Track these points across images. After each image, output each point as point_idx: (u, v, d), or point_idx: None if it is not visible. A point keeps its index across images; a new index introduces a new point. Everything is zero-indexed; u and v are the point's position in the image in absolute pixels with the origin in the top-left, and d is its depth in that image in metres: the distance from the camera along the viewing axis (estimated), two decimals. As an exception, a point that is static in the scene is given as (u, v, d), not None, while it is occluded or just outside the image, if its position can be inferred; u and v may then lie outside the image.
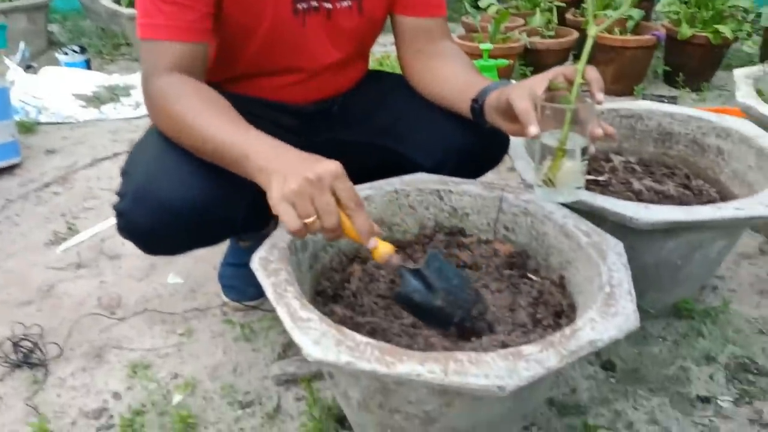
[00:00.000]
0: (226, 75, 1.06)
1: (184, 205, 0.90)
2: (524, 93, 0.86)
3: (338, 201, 0.76)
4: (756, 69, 1.48)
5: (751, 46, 2.65)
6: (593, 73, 0.87)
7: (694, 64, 2.51)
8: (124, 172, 0.96)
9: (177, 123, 0.88)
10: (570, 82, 0.88)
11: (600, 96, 0.86)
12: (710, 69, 2.56)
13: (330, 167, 0.76)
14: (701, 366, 1.13)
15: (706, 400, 1.06)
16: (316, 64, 1.07)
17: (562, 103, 0.87)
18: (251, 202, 1.04)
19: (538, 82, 0.88)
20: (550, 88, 0.89)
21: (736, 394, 1.08)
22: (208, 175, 0.91)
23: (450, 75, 1.05)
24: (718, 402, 1.06)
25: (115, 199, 0.94)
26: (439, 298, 0.82)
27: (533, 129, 0.84)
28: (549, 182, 0.92)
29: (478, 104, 0.96)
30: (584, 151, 0.90)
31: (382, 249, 0.80)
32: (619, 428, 1.01)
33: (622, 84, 2.47)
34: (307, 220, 0.75)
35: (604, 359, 1.15)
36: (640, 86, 2.52)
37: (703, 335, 1.19)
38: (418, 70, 1.11)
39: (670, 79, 2.62)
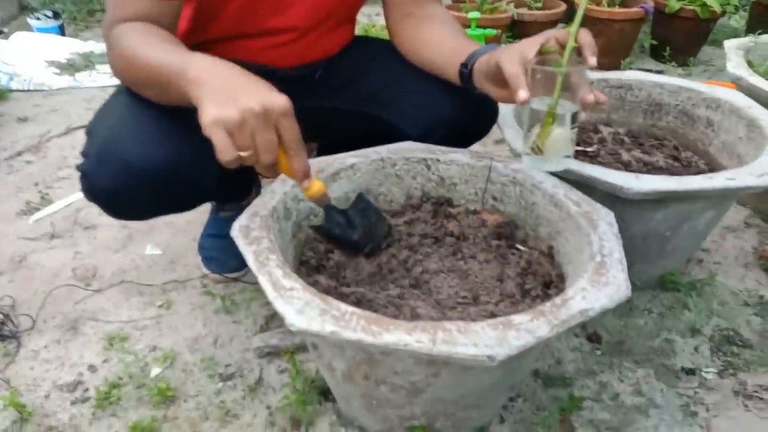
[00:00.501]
0: (205, 36, 1.02)
1: (149, 166, 0.86)
2: (514, 56, 0.83)
3: (279, 138, 0.72)
4: (746, 40, 1.46)
5: (738, 21, 2.64)
6: (586, 37, 0.84)
7: (681, 39, 2.49)
8: (89, 132, 0.91)
9: (124, 60, 0.84)
10: (562, 46, 0.85)
11: (593, 60, 0.83)
12: (697, 43, 2.55)
13: (279, 101, 0.70)
14: (686, 338, 1.13)
15: (690, 371, 1.06)
16: (300, 25, 1.02)
17: (553, 67, 0.84)
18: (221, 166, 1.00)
19: (529, 46, 0.85)
20: (541, 52, 0.85)
21: (720, 365, 1.08)
22: (175, 135, 0.87)
23: (439, 39, 1.02)
24: (703, 374, 1.06)
25: (86, 164, 0.90)
26: (356, 233, 0.90)
27: (523, 93, 0.81)
28: (537, 150, 0.89)
29: (466, 69, 0.93)
30: (574, 117, 0.87)
31: (315, 188, 0.80)
32: (604, 400, 1.00)
33: (609, 57, 2.45)
34: (242, 153, 0.70)
35: (589, 331, 1.14)
36: (626, 60, 2.49)
37: (688, 308, 1.19)
38: (406, 34, 1.07)
39: (656, 54, 2.60)
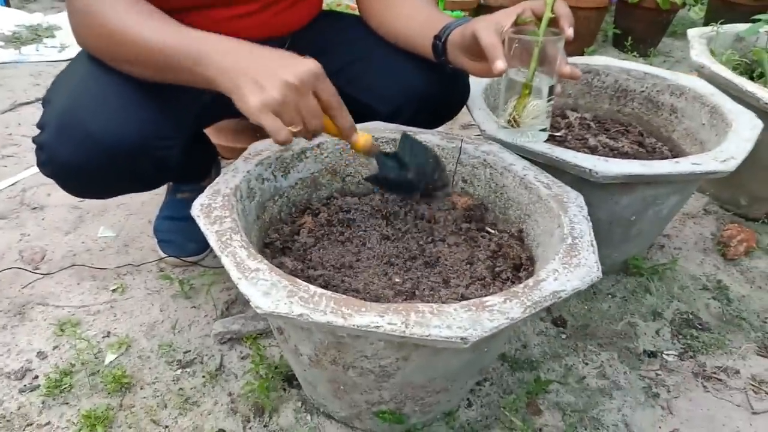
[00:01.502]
0: (170, 5, 0.96)
1: (113, 138, 0.81)
2: (491, 26, 0.81)
3: (319, 101, 0.73)
4: (708, 29, 1.48)
5: (697, 12, 2.69)
6: (563, 8, 0.83)
7: (642, 28, 2.53)
8: (46, 101, 0.85)
9: (108, 32, 0.78)
10: (538, 18, 0.83)
11: (570, 31, 0.82)
12: (658, 34, 2.59)
13: (310, 66, 0.71)
14: (648, 322, 1.15)
15: (652, 354, 1.08)
16: None
17: (530, 37, 0.83)
18: (188, 140, 0.95)
19: (505, 16, 0.83)
20: (517, 23, 0.84)
21: (680, 348, 1.09)
22: (142, 105, 0.83)
23: (410, 12, 0.99)
24: (664, 356, 1.07)
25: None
26: (410, 172, 0.86)
27: (500, 63, 0.79)
28: (514, 122, 0.88)
29: (440, 41, 0.90)
30: (551, 90, 0.86)
31: (363, 140, 0.80)
32: (570, 383, 1.00)
33: (573, 45, 2.45)
34: (293, 129, 0.71)
35: (555, 315, 1.14)
36: (590, 48, 2.52)
37: (650, 292, 1.21)
38: (375, 6, 1.04)
39: (619, 43, 2.63)
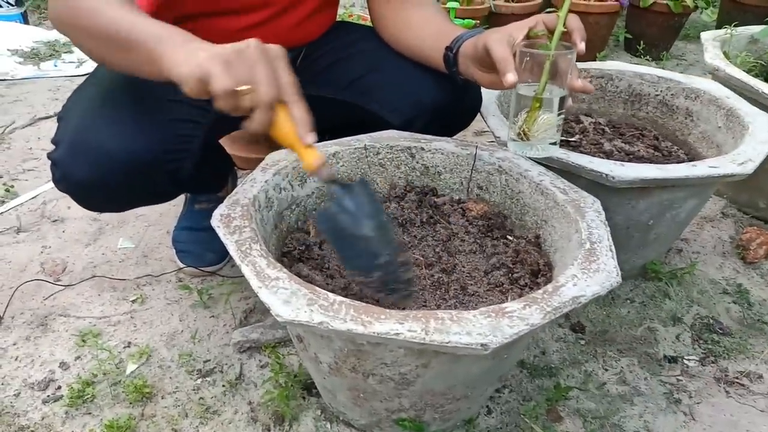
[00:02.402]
0: (181, 11, 0.97)
1: (127, 154, 0.82)
2: (503, 39, 0.81)
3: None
4: (722, 32, 1.47)
5: (709, 15, 2.67)
6: (575, 22, 0.83)
7: (654, 33, 2.52)
8: (60, 118, 0.87)
9: (79, 22, 0.76)
10: (550, 31, 0.84)
11: (582, 45, 0.82)
12: (670, 38, 2.58)
13: (274, 46, 0.66)
14: (668, 327, 1.14)
15: (673, 359, 1.07)
16: (280, 2, 0.99)
17: (541, 50, 0.83)
18: (200, 152, 0.96)
19: (518, 29, 0.84)
20: (530, 36, 0.84)
21: (701, 353, 1.08)
22: (154, 121, 0.84)
23: (423, 23, 1.00)
24: (685, 361, 1.06)
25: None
26: (369, 228, 0.70)
27: (511, 76, 0.79)
28: (524, 135, 0.88)
29: (452, 53, 0.91)
30: (562, 103, 0.86)
31: (313, 155, 0.67)
32: (590, 389, 1.00)
33: (585, 51, 2.46)
34: (241, 87, 0.62)
35: (573, 321, 1.14)
36: (602, 53, 2.51)
37: (669, 296, 1.20)
38: (388, 18, 1.05)
39: (631, 48, 2.62)
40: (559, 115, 0.87)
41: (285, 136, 0.67)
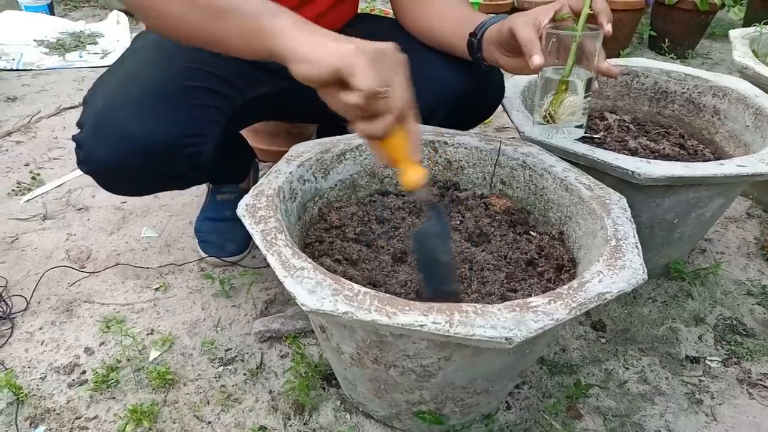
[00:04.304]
0: None
1: (145, 135, 0.83)
2: (528, 22, 0.81)
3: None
4: (751, 30, 1.45)
5: (736, 14, 2.63)
6: (601, 4, 0.82)
7: (679, 30, 2.49)
8: (85, 101, 0.88)
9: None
10: (576, 14, 0.83)
11: (608, 27, 0.81)
12: (695, 36, 2.54)
13: (403, 55, 0.64)
14: (690, 327, 1.13)
15: (695, 360, 1.06)
16: None
17: (568, 31, 0.83)
18: (221, 139, 0.96)
19: (543, 12, 0.83)
20: (555, 19, 0.84)
21: (724, 354, 1.07)
22: (176, 104, 0.84)
23: (445, 10, 0.99)
24: (707, 362, 1.05)
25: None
26: (449, 254, 0.72)
27: (537, 58, 0.78)
28: (549, 118, 0.87)
29: (476, 38, 0.91)
30: (588, 86, 0.86)
31: (421, 172, 0.67)
32: (610, 387, 0.99)
33: (608, 48, 2.41)
34: (381, 88, 0.60)
35: (594, 319, 1.13)
36: (625, 51, 2.48)
37: (692, 296, 1.18)
38: (411, 7, 1.04)
39: (655, 45, 2.59)
40: (585, 97, 0.87)
41: (396, 148, 0.66)
